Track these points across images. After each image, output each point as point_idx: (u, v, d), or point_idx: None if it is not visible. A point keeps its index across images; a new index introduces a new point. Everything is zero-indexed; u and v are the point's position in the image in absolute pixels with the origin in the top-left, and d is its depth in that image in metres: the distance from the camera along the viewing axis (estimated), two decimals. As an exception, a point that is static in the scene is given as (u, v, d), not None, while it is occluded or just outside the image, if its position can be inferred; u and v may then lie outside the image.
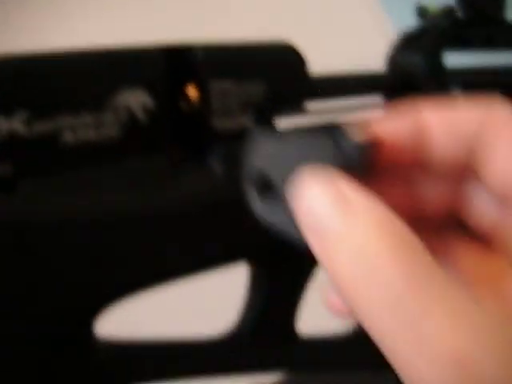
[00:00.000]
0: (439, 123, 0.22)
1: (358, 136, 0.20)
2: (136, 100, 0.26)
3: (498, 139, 0.21)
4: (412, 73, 0.35)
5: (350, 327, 0.39)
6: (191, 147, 0.27)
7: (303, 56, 0.30)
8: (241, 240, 0.30)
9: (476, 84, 0.36)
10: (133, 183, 0.26)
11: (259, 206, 0.22)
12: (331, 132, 0.21)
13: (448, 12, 0.37)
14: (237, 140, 0.28)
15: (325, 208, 0.19)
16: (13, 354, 0.26)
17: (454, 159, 0.22)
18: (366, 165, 0.21)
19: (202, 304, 0.48)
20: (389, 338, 0.17)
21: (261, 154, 0.22)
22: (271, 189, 0.22)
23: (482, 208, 0.23)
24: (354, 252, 0.18)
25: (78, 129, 0.25)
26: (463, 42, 0.37)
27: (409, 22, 0.39)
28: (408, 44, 0.36)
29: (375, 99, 0.35)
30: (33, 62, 0.24)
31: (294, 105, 0.30)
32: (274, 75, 0.29)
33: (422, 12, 0.38)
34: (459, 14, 0.38)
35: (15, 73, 0.24)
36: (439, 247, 0.23)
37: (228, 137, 0.28)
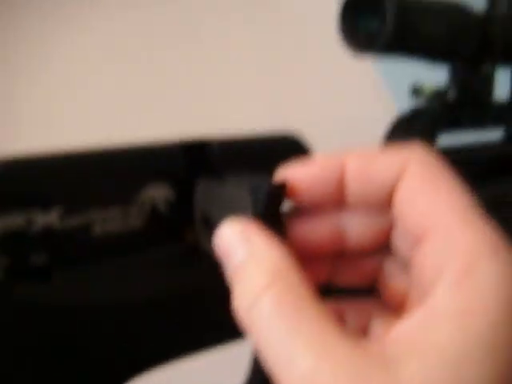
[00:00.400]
0: (355, 171, 0.25)
1: (269, 183, 0.25)
2: (159, 193, 0.29)
3: (411, 183, 0.24)
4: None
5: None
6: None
7: (307, 147, 0.33)
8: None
9: (465, 161, 0.39)
10: (156, 269, 0.29)
11: (202, 238, 0.28)
12: (257, 180, 0.25)
13: (441, 94, 0.40)
14: None
15: (231, 241, 0.24)
16: None
17: (371, 204, 0.25)
18: (277, 206, 0.25)
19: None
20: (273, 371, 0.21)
21: (204, 198, 0.28)
22: (210, 224, 0.27)
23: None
24: (242, 283, 0.22)
25: (106, 221, 0.28)
26: (454, 122, 0.40)
27: (407, 101, 0.42)
28: (403, 126, 0.39)
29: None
30: (69, 160, 0.27)
31: None
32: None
33: (416, 92, 0.41)
34: (450, 94, 0.41)
35: (53, 170, 0.26)
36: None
37: None
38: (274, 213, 0.25)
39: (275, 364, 0.20)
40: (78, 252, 0.27)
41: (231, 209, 0.25)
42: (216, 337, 0.31)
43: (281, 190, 0.25)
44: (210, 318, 0.31)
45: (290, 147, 0.32)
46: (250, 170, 0.31)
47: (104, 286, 0.28)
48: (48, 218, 0.26)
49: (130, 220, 0.28)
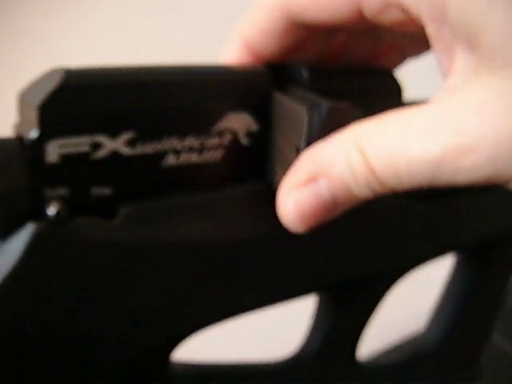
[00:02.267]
0: None
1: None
2: (241, 123, 0.24)
3: None
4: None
5: (404, 353, 0.38)
6: None
7: (400, 83, 0.29)
8: (314, 272, 0.29)
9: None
10: (231, 210, 0.25)
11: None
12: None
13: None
14: None
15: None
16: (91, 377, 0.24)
17: None
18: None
19: (267, 330, 0.47)
20: None
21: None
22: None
23: None
24: None
25: (181, 152, 0.23)
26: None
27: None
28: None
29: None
30: (144, 80, 0.22)
31: None
32: (372, 102, 0.28)
33: None
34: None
35: (125, 91, 0.22)
36: None
37: None
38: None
39: None
40: (147, 184, 0.23)
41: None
42: (278, 293, 0.28)
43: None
44: (279, 273, 0.27)
45: (383, 80, 0.28)
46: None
47: (174, 223, 0.24)
48: (115, 144, 0.22)
49: (207, 152, 0.24)
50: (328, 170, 0.21)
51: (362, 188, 0.21)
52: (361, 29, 0.25)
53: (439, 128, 0.19)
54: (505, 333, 0.70)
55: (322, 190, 0.21)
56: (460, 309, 0.39)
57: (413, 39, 0.26)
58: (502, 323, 0.71)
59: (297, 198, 0.22)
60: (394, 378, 0.37)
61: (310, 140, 0.22)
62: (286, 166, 0.24)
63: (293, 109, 0.23)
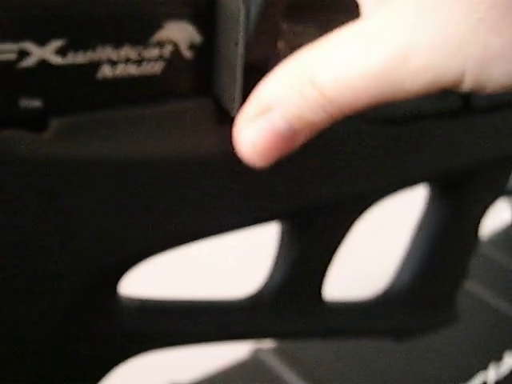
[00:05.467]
0: None
1: None
2: (182, 34, 0.23)
3: None
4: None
5: (375, 294, 0.37)
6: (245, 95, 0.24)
7: None
8: (273, 195, 0.27)
9: None
10: (174, 125, 0.23)
11: None
12: None
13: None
14: None
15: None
16: (35, 309, 0.23)
17: None
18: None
19: (226, 263, 0.46)
20: None
21: None
22: None
23: None
24: None
25: (117, 63, 0.22)
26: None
27: None
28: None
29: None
30: None
31: None
32: (327, 17, 0.26)
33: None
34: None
35: None
36: None
37: None
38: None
39: None
40: (80, 96, 0.22)
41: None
42: (230, 221, 0.26)
43: None
44: (227, 201, 0.26)
45: None
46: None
47: (109, 138, 0.22)
48: (44, 52, 0.20)
49: (146, 64, 0.22)
50: (280, 98, 0.21)
51: (316, 112, 0.21)
52: None
53: (374, 41, 0.19)
54: (482, 281, 0.69)
55: (277, 120, 0.21)
56: (432, 246, 0.38)
57: None
58: (480, 271, 0.71)
59: (253, 131, 0.21)
60: (363, 317, 0.36)
61: (249, 33, 0.21)
62: (231, 72, 0.22)
63: (230, 4, 0.22)
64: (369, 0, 0.22)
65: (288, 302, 0.32)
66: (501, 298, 0.67)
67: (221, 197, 0.25)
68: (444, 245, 0.38)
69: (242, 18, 0.22)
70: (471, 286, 0.68)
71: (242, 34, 0.22)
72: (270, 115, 0.21)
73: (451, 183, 0.36)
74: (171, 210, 0.24)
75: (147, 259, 0.25)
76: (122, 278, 0.25)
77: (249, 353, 0.56)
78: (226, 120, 0.24)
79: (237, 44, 0.22)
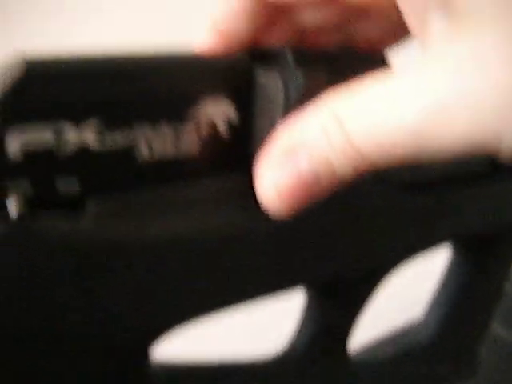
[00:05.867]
0: None
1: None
2: (220, 112, 0.23)
3: None
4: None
5: (399, 348, 0.37)
6: None
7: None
8: (303, 266, 0.27)
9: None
10: (210, 204, 0.23)
11: None
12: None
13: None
14: None
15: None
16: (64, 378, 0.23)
17: None
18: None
19: (255, 326, 0.46)
20: None
21: None
22: None
23: None
24: None
25: (154, 143, 0.22)
26: None
27: None
28: None
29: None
30: (108, 62, 0.21)
31: None
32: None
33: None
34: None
35: (87, 75, 0.20)
36: None
37: None
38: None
39: None
40: (118, 177, 0.22)
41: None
42: (257, 289, 0.26)
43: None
44: (256, 271, 0.26)
45: (375, 65, 0.26)
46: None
47: (147, 219, 0.22)
48: (82, 135, 0.20)
49: (183, 143, 0.22)
50: (306, 142, 0.20)
51: (342, 162, 0.19)
52: (333, 11, 0.24)
53: (415, 93, 0.18)
54: (505, 322, 0.68)
55: (302, 165, 0.20)
56: (456, 301, 0.37)
57: (387, 22, 0.25)
58: (503, 312, 0.70)
59: (276, 175, 0.20)
60: (388, 372, 0.36)
61: (288, 113, 0.21)
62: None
63: (269, 84, 0.22)
64: (415, 53, 0.21)
65: (314, 362, 0.32)
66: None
67: (250, 269, 0.25)
68: (467, 301, 0.38)
69: (280, 100, 0.22)
70: (496, 328, 0.67)
71: (280, 115, 0.22)
72: (294, 158, 0.20)
73: (477, 242, 0.36)
74: (199, 284, 0.24)
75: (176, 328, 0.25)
76: (152, 349, 0.25)
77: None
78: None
79: (275, 125, 0.22)
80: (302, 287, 0.29)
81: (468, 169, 0.31)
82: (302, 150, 0.20)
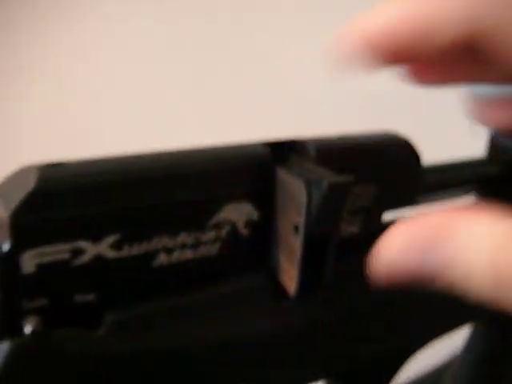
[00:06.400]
0: None
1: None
2: (241, 213, 0.22)
3: None
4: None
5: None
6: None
7: (418, 151, 0.26)
8: (327, 362, 0.26)
9: None
10: (230, 307, 0.23)
11: None
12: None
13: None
14: (345, 251, 0.25)
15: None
16: None
17: None
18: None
19: None
20: None
21: None
22: None
23: None
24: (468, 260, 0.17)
25: (173, 250, 0.21)
26: None
27: None
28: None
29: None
30: (127, 173, 0.20)
31: (405, 201, 0.27)
32: (385, 175, 0.25)
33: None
34: None
35: (104, 187, 0.20)
36: None
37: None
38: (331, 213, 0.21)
39: None
40: (136, 287, 0.21)
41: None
42: None
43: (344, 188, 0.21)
44: (281, 372, 0.25)
45: (398, 153, 0.26)
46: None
47: (168, 329, 0.21)
48: (99, 249, 0.20)
49: (203, 247, 0.22)
50: (461, 240, 0.18)
51: (475, 281, 0.17)
52: None
53: None
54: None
55: (434, 255, 0.18)
56: (476, 374, 0.36)
57: None
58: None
59: (406, 240, 0.18)
60: None
61: (310, 218, 0.20)
62: (288, 249, 0.22)
63: (292, 185, 0.21)
64: None
65: None
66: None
67: (274, 367, 0.24)
68: (488, 373, 0.36)
69: (304, 204, 0.21)
70: None
71: (303, 219, 0.21)
72: (429, 249, 0.18)
73: (496, 322, 0.35)
74: None
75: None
76: None
77: None
78: (282, 295, 0.23)
79: (297, 228, 0.21)
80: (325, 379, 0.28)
81: None
82: (451, 245, 0.18)
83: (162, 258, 0.21)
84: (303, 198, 0.21)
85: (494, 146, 0.32)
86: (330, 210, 0.21)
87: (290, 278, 0.22)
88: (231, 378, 0.23)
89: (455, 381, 0.37)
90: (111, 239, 0.20)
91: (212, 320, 0.22)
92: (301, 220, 0.21)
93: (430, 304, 0.28)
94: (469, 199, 0.32)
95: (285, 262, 0.23)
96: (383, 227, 0.26)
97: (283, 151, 0.23)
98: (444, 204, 0.30)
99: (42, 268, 0.19)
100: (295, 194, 0.21)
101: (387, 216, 0.27)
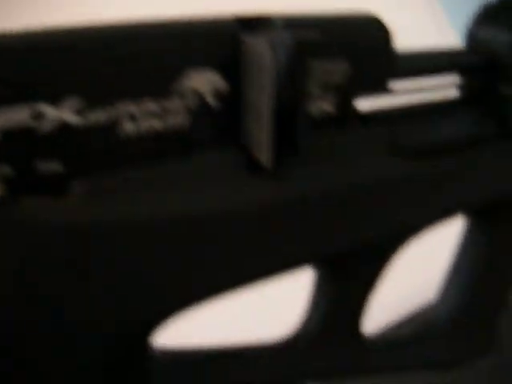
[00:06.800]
0: None
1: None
2: (206, 83, 0.22)
3: None
4: (494, 49, 0.31)
5: (415, 327, 0.36)
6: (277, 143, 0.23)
7: (389, 30, 0.26)
8: (309, 241, 0.26)
9: None
10: (202, 179, 0.22)
11: None
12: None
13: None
14: (317, 128, 0.25)
15: None
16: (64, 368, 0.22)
17: None
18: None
19: (263, 308, 0.45)
20: None
21: None
22: None
23: None
24: None
25: (139, 118, 0.21)
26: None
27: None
28: (490, 18, 0.32)
29: (453, 78, 0.31)
30: (85, 37, 0.20)
31: (378, 84, 0.26)
32: (358, 53, 0.25)
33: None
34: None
35: (64, 50, 0.19)
36: None
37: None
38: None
39: None
40: (103, 156, 0.21)
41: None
42: (263, 268, 0.25)
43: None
44: (258, 249, 0.24)
45: (369, 30, 0.25)
46: (320, 57, 0.24)
47: (136, 198, 0.21)
48: (60, 113, 0.19)
49: (170, 116, 0.21)
50: None
51: None
52: None
53: None
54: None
55: None
56: (473, 276, 0.36)
57: None
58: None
59: None
60: (404, 351, 0.34)
61: (278, 80, 0.20)
62: (261, 120, 0.21)
63: (257, 49, 0.21)
64: None
65: (326, 343, 0.31)
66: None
67: (251, 246, 0.24)
68: (485, 275, 0.36)
69: (269, 64, 0.20)
70: None
71: (270, 80, 0.21)
72: None
73: (491, 211, 0.34)
74: (198, 266, 0.23)
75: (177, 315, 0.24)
76: (153, 333, 0.24)
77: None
78: (256, 168, 0.23)
79: (265, 91, 0.21)
80: (311, 265, 0.28)
81: (475, 133, 0.30)
82: None
83: (128, 126, 0.21)
84: (269, 60, 0.20)
85: (473, 37, 0.32)
86: (298, 72, 0.21)
87: (262, 150, 0.22)
88: (205, 258, 0.23)
89: (452, 286, 0.37)
90: (72, 103, 0.19)
91: (184, 194, 0.22)
92: (268, 83, 0.21)
93: (420, 189, 0.28)
94: (450, 91, 0.32)
95: (257, 133, 0.22)
96: (357, 114, 0.26)
97: (250, 25, 0.23)
98: (423, 95, 0.30)
99: (6, 135, 0.19)
100: (262, 58, 0.21)
101: (362, 105, 0.27)
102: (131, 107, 0.20)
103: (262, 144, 0.22)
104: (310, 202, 0.24)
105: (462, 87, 0.32)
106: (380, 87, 0.26)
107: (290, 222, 0.24)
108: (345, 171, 0.25)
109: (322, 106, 0.24)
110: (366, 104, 0.28)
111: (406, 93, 0.29)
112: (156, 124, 0.21)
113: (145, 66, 0.20)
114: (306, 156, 0.23)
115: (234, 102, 0.22)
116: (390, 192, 0.27)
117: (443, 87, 0.31)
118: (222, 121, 0.22)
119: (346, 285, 0.30)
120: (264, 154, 0.22)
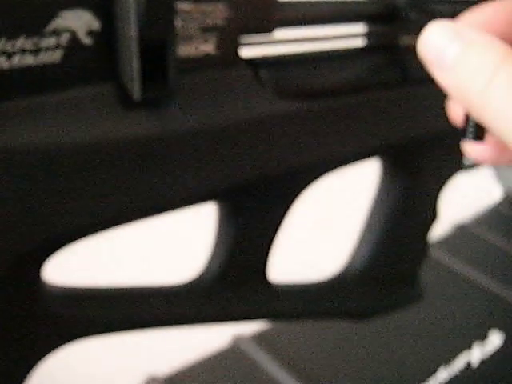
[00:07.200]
0: None
1: None
2: (79, 21, 0.23)
3: None
4: (394, 1, 0.32)
5: (330, 274, 0.37)
6: (148, 77, 0.24)
7: None
8: (211, 177, 0.27)
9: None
10: (78, 112, 0.23)
11: None
12: None
13: None
14: (198, 69, 0.26)
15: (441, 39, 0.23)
16: None
17: None
18: None
19: (167, 248, 0.46)
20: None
21: None
22: None
23: None
24: (467, 70, 0.22)
25: (13, 54, 0.22)
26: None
27: None
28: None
29: (356, 28, 0.32)
30: None
31: (261, 28, 0.27)
32: None
33: None
34: None
35: None
36: None
37: (188, 66, 0.25)
38: None
39: None
40: None
41: None
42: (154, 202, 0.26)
43: None
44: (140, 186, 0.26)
45: None
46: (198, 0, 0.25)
47: (10, 129, 0.22)
48: None
49: (44, 53, 0.22)
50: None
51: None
52: None
53: None
54: (469, 260, 0.68)
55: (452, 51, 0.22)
56: (389, 223, 0.37)
57: None
58: (468, 250, 0.70)
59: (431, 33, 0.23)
60: (314, 299, 0.35)
61: (141, 15, 0.22)
62: (129, 55, 0.22)
63: None
64: None
65: (231, 285, 0.32)
66: (488, 277, 0.66)
67: (139, 180, 0.25)
68: (401, 221, 0.37)
69: (132, 4, 0.22)
70: (458, 264, 0.67)
71: (133, 16, 0.22)
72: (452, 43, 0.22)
73: (403, 157, 0.36)
74: (87, 194, 0.24)
75: (71, 244, 0.26)
76: (46, 261, 0.25)
77: (228, 341, 0.56)
78: (131, 103, 0.24)
79: (130, 26, 0.22)
80: (214, 201, 0.29)
81: (377, 77, 0.31)
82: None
83: (2, 62, 0.22)
84: None
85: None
86: (158, 4, 0.22)
87: (132, 82, 0.23)
88: (83, 187, 0.24)
89: (368, 233, 0.38)
90: None
91: (60, 124, 0.23)
92: (131, 16, 0.22)
93: (314, 129, 0.29)
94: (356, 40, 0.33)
95: (126, 66, 0.23)
96: (242, 58, 0.27)
97: None
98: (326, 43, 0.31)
99: None
100: None
101: (246, 52, 0.27)
102: (5, 45, 0.21)
103: (130, 77, 0.23)
104: (190, 138, 0.25)
105: (367, 36, 0.33)
106: (264, 30, 0.27)
107: (172, 158, 0.25)
108: (227, 109, 0.26)
109: (203, 46, 0.26)
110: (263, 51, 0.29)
111: (307, 41, 0.30)
112: (30, 60, 0.22)
113: (19, 6, 0.22)
114: (178, 92, 0.24)
115: (107, 39, 0.24)
116: (278, 131, 0.28)
117: (348, 36, 0.32)
118: (96, 57, 0.24)
119: (247, 224, 0.31)
120: (133, 85, 0.23)
